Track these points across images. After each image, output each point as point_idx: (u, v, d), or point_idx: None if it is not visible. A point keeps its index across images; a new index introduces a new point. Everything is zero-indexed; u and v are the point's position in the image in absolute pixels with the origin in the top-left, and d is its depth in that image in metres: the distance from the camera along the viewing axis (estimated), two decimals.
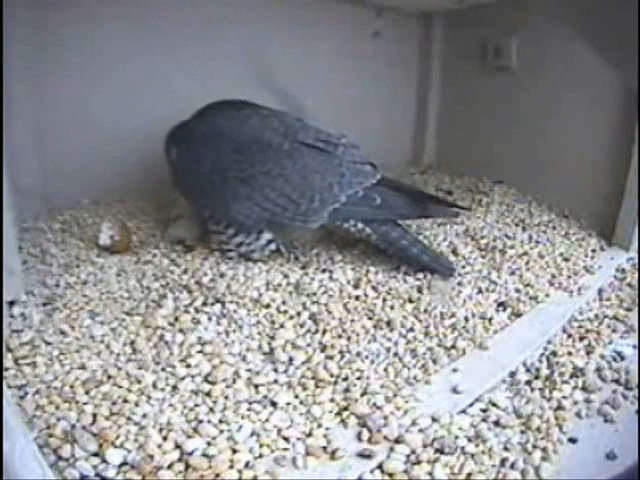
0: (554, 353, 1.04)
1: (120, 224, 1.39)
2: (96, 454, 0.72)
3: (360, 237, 1.35)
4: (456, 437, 0.79)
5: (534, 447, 0.79)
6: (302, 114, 1.44)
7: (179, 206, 1.49)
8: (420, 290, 1.24)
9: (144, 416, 0.79)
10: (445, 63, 2.33)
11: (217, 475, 0.70)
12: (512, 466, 0.76)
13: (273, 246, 1.32)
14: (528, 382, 0.95)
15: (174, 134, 1.33)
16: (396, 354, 1.00)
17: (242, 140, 1.25)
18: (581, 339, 1.10)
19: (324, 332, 1.04)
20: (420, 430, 0.80)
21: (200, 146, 1.27)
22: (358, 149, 1.34)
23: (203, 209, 1.35)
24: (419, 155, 2.48)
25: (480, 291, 1.27)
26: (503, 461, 0.77)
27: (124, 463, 0.71)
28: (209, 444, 0.75)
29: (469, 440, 0.79)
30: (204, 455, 0.73)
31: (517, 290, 1.28)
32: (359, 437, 0.79)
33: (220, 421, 0.79)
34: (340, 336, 1.03)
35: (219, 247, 1.36)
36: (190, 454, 0.72)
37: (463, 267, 1.38)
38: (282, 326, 1.06)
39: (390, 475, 0.74)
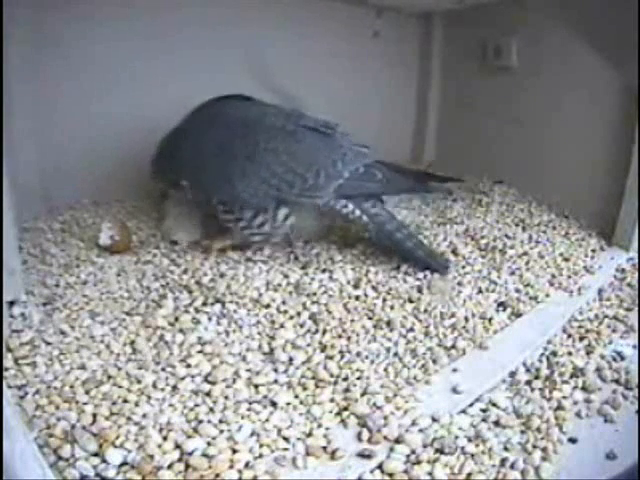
0: (554, 353, 1.04)
1: (120, 224, 1.39)
2: (96, 454, 0.72)
3: (357, 225, 1.37)
4: (456, 437, 0.79)
5: (534, 447, 0.80)
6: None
7: (174, 209, 1.49)
8: (420, 290, 1.24)
9: (144, 416, 0.79)
10: (445, 63, 2.33)
11: (217, 475, 0.70)
12: (512, 466, 0.76)
13: (292, 219, 1.33)
14: (528, 382, 0.95)
15: (171, 135, 1.34)
16: (396, 354, 1.00)
17: (246, 122, 1.29)
18: (581, 339, 1.10)
19: (324, 332, 1.04)
20: (420, 430, 0.80)
21: (205, 130, 1.29)
22: (350, 136, 1.39)
23: (212, 195, 1.32)
24: (419, 155, 2.48)
25: (480, 291, 1.27)
26: (503, 461, 0.77)
27: (124, 463, 0.71)
28: (209, 444, 0.75)
29: (469, 440, 0.79)
30: (204, 455, 0.73)
31: (517, 290, 1.28)
32: (359, 437, 0.79)
33: (220, 421, 0.79)
34: (340, 336, 1.03)
35: (241, 236, 1.35)
36: (190, 454, 0.72)
37: (463, 267, 1.38)
38: (282, 326, 1.06)
39: (390, 475, 0.74)
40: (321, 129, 1.32)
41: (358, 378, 0.92)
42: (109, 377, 0.87)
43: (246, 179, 1.24)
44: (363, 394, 0.87)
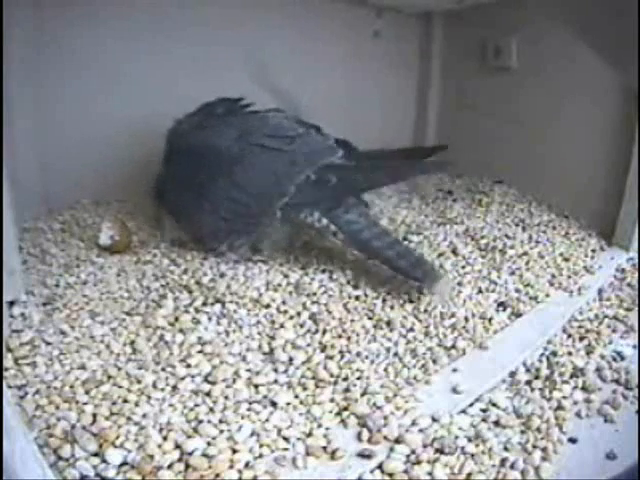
0: (554, 353, 1.04)
1: (120, 224, 1.39)
2: (96, 454, 0.72)
3: (324, 235, 1.35)
4: (456, 437, 0.79)
5: (534, 447, 0.79)
6: (300, 113, 1.44)
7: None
8: (420, 290, 1.24)
9: (144, 416, 0.79)
10: (445, 63, 2.33)
11: (217, 475, 0.70)
12: (512, 466, 0.75)
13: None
14: (528, 382, 0.95)
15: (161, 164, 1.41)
16: (396, 354, 1.00)
17: (200, 149, 1.28)
18: (581, 339, 1.10)
19: (324, 332, 1.04)
20: (420, 430, 0.80)
21: (172, 160, 1.36)
22: (327, 135, 1.32)
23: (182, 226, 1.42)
24: None
25: (480, 291, 1.27)
26: (503, 461, 0.76)
27: (124, 463, 0.71)
28: (209, 444, 0.74)
29: (469, 440, 0.79)
30: (204, 455, 0.72)
31: (517, 290, 1.28)
32: (359, 437, 0.79)
33: (220, 421, 0.79)
34: (340, 336, 1.03)
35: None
36: (190, 454, 0.72)
37: (463, 267, 1.38)
38: (282, 326, 1.06)
39: (390, 475, 0.74)
40: (272, 144, 1.23)
41: (358, 378, 0.91)
42: (109, 377, 0.87)
43: (201, 215, 1.28)
44: (363, 394, 0.87)
